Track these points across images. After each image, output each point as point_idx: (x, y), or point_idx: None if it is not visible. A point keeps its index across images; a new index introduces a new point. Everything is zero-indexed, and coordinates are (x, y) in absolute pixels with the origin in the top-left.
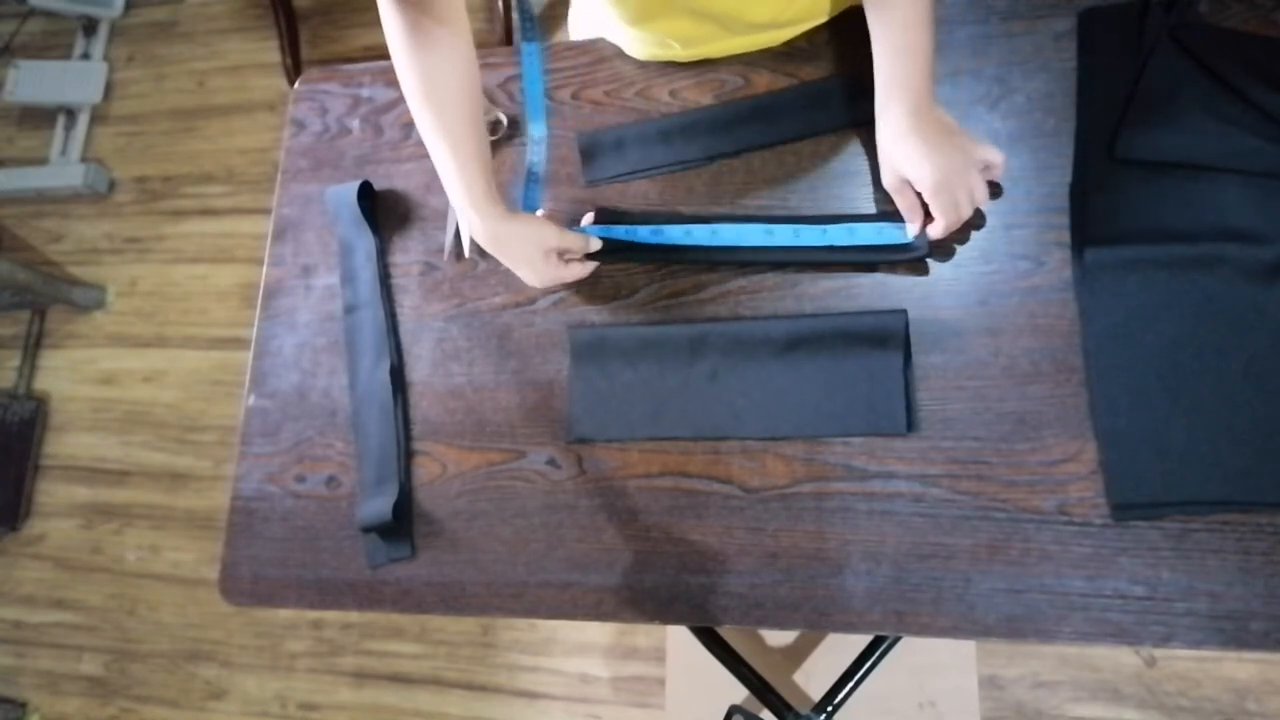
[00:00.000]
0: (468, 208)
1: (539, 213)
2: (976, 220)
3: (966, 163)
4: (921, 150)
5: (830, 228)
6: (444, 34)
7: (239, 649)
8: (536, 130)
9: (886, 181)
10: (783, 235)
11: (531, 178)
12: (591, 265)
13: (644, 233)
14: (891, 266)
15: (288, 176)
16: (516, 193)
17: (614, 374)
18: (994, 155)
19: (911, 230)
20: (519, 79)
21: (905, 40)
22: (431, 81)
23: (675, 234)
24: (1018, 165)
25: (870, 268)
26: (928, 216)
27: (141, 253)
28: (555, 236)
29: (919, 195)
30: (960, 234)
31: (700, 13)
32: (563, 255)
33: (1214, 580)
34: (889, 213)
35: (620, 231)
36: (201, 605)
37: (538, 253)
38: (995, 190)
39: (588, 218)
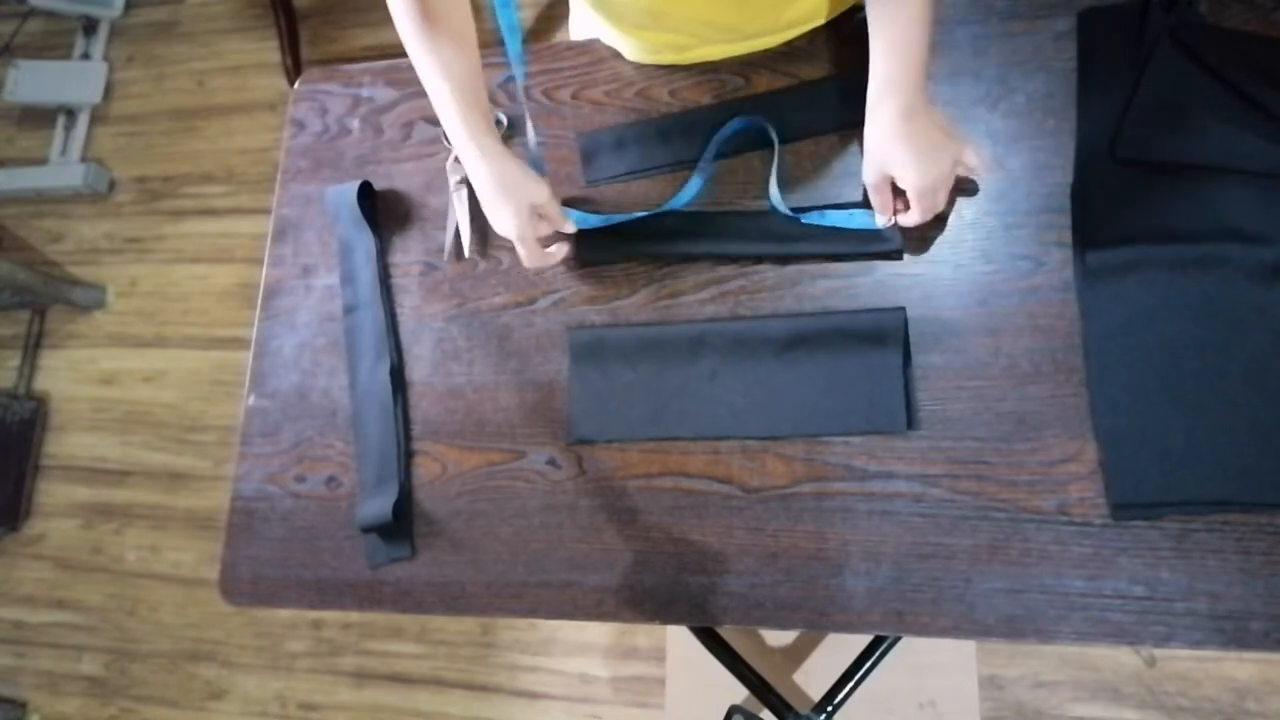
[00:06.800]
0: (470, 143)
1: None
2: (947, 210)
3: (953, 168)
4: (911, 154)
5: (806, 214)
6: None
7: (239, 649)
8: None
9: (868, 177)
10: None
11: (537, 151)
12: (562, 252)
13: (619, 218)
14: (871, 260)
15: (288, 176)
16: None
17: (614, 374)
18: (973, 158)
19: (881, 220)
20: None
21: (902, 38)
22: (435, 39)
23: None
24: (1018, 165)
25: (843, 259)
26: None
27: (141, 253)
28: (547, 195)
29: (896, 191)
30: (934, 226)
31: (696, 20)
32: (538, 231)
33: (1214, 580)
34: (864, 203)
35: (596, 220)
36: (201, 605)
37: (526, 205)
38: (972, 187)
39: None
